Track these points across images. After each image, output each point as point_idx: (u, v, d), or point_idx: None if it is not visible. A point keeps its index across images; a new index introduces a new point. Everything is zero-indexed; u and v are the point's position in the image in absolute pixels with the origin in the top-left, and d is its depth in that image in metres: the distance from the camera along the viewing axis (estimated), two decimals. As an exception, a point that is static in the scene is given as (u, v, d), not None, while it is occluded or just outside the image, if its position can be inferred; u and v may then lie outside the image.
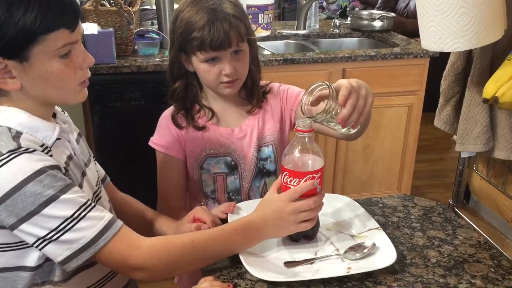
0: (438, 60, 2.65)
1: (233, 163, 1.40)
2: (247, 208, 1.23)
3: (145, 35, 2.49)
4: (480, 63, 1.25)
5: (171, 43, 1.36)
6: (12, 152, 0.93)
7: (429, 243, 1.16)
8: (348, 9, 4.80)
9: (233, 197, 1.44)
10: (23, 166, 0.93)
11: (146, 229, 1.25)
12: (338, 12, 4.60)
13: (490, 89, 1.12)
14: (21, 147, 0.94)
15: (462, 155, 1.44)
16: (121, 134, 2.42)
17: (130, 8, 2.36)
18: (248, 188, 1.44)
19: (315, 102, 1.09)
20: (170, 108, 1.43)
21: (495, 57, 1.28)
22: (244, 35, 1.29)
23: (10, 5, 0.91)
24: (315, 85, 1.08)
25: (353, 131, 1.12)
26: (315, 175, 1.08)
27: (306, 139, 1.08)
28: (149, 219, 1.30)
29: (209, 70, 1.30)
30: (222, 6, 1.27)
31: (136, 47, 2.47)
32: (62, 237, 0.94)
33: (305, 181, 1.07)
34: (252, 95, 1.41)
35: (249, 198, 1.44)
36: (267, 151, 1.43)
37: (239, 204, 1.28)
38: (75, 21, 0.98)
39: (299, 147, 1.09)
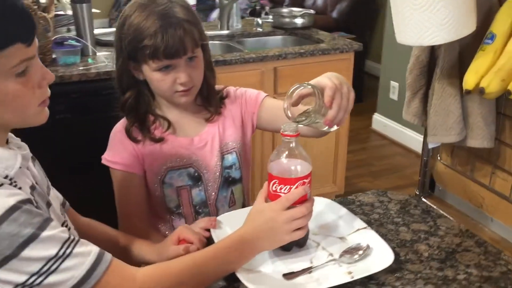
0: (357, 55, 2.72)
1: (196, 174, 1.33)
2: (228, 221, 1.16)
3: (64, 42, 2.30)
4: (449, 55, 1.28)
5: (118, 51, 1.26)
6: (-24, 189, 0.79)
7: (416, 237, 1.16)
8: (257, 7, 4.81)
9: (200, 210, 1.36)
10: None
11: (118, 253, 1.13)
12: (248, 11, 4.59)
13: (471, 79, 1.14)
14: None
15: (429, 146, 1.48)
16: (45, 151, 2.21)
17: (46, 15, 2.17)
18: (214, 199, 1.36)
19: (295, 103, 1.05)
20: (121, 121, 1.33)
21: (462, 49, 1.32)
22: (198, 40, 1.22)
23: None
24: (295, 87, 1.04)
25: (336, 128, 1.10)
26: (305, 180, 1.04)
27: (293, 143, 1.03)
28: (123, 244, 1.18)
29: (163, 79, 1.22)
30: (173, 10, 1.19)
31: (54, 56, 2.27)
32: (46, 281, 0.81)
33: (296, 187, 1.03)
34: (208, 101, 1.35)
35: (216, 210, 1.37)
36: (231, 158, 1.37)
37: (219, 218, 1.20)
38: (31, 34, 0.85)
39: (286, 153, 1.04)
